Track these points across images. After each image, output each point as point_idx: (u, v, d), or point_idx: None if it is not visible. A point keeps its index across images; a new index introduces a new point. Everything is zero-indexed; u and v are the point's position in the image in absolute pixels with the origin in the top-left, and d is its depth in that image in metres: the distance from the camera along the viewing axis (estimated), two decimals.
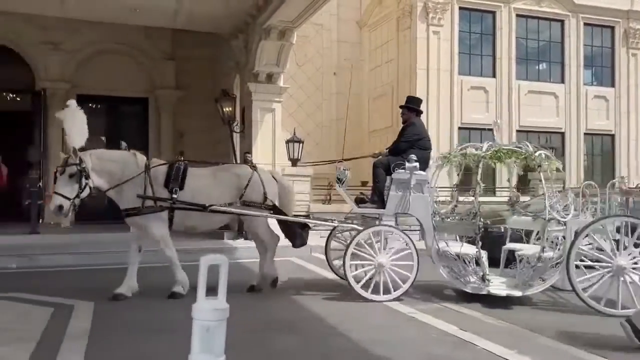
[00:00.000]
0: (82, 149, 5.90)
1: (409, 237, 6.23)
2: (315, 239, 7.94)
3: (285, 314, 5.65)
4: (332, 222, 6.88)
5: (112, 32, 14.47)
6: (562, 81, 17.22)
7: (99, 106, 15.41)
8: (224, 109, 12.61)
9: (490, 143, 6.31)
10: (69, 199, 5.74)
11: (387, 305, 6.07)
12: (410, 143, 6.55)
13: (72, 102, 6.13)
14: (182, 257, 6.41)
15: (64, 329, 4.91)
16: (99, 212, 9.56)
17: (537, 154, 6.14)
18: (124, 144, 16.00)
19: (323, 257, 7.46)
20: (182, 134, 15.40)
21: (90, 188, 5.93)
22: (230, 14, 11.67)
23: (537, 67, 17.44)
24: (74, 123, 5.96)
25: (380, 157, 6.82)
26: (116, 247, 8.33)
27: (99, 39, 14.70)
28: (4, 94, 14.95)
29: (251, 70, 11.85)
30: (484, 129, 16.45)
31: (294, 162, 12.41)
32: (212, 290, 2.47)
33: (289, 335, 4.84)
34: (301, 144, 12.69)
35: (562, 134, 17.30)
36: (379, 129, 16.87)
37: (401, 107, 6.95)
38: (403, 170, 6.19)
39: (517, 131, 16.64)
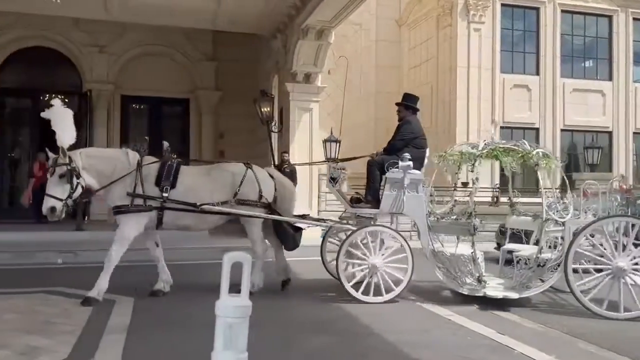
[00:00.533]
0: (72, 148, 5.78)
1: (403, 238, 6.09)
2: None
3: (317, 313, 5.62)
4: (327, 223, 6.77)
5: (154, 35, 14.84)
6: (610, 78, 16.64)
7: (141, 107, 15.85)
8: (263, 109, 12.70)
9: (486, 141, 6.19)
10: (60, 199, 5.60)
11: (422, 306, 6.00)
12: (406, 142, 6.35)
13: (57, 102, 6.00)
14: (209, 255, 6.44)
15: (105, 323, 5.02)
16: None
17: (534, 152, 5.98)
18: (166, 144, 16.36)
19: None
20: (222, 134, 15.62)
21: (82, 187, 5.79)
22: (268, 14, 11.76)
23: (583, 65, 16.92)
24: (62, 122, 5.78)
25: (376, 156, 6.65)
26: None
27: (141, 41, 15.08)
28: (54, 95, 15.48)
29: (289, 71, 11.90)
30: (527, 128, 16.09)
31: (333, 161, 12.40)
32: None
33: (324, 335, 4.82)
34: (338, 144, 12.68)
35: (610, 133, 16.72)
36: None
37: (397, 104, 6.74)
38: (397, 170, 6.03)
39: (562, 130, 16.19)
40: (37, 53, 14.76)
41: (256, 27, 12.69)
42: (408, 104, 6.64)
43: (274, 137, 12.98)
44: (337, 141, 12.63)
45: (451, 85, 15.26)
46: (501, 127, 15.69)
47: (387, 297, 5.88)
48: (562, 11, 16.17)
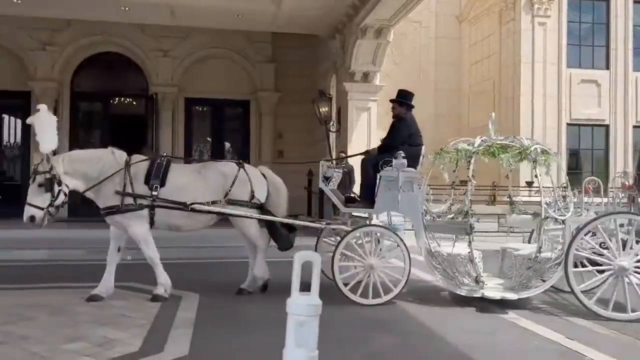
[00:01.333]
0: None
1: (400, 237, 5.86)
2: (412, 239, 7.79)
3: (379, 313, 5.57)
4: (320, 224, 6.59)
5: (216, 38, 15.25)
6: None
7: (204, 109, 16.29)
8: (321, 109, 12.79)
9: (483, 138, 5.91)
10: (41, 208, 5.50)
11: (486, 308, 5.86)
12: (401, 139, 6.12)
13: (43, 107, 5.80)
14: (277, 253, 6.46)
15: (172, 318, 5.18)
16: None
17: (532, 148, 5.71)
18: (227, 144, 16.83)
19: (420, 257, 7.29)
20: (281, 134, 15.84)
21: (65, 194, 5.67)
22: (327, 15, 11.81)
23: None
24: (44, 128, 5.64)
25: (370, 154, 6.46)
26: (220, 242, 8.62)
27: (204, 44, 15.52)
28: (122, 98, 16.22)
29: (347, 70, 11.91)
30: (596, 125, 15.38)
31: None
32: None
33: (387, 336, 4.78)
34: None
35: None
36: (480, 126, 16.28)
37: (391, 101, 6.45)
38: (391, 168, 5.81)
39: (634, 127, 15.38)
40: (107, 58, 15.51)
41: (315, 28, 12.78)
42: (403, 100, 6.35)
43: (332, 136, 13.04)
44: None
45: (515, 82, 14.80)
46: (568, 124, 15.09)
47: (385, 298, 5.70)
48: (635, 2, 15.35)
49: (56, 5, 11.51)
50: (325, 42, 13.38)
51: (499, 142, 5.86)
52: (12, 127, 15.45)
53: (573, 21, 15.18)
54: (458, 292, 5.82)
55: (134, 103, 16.23)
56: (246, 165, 6.25)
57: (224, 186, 5.99)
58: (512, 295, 5.64)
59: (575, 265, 5.58)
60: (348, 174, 11.35)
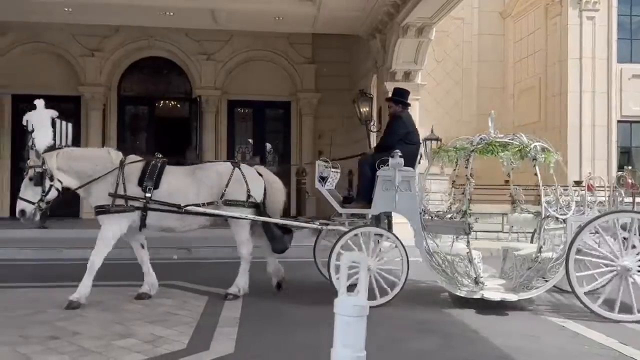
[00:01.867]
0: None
1: (397, 237, 5.75)
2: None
3: (423, 315, 5.55)
4: (316, 225, 6.47)
5: (257, 41, 15.43)
6: None
7: (246, 110, 16.45)
8: (361, 109, 12.76)
9: (482, 136, 5.79)
10: (32, 202, 5.53)
11: (533, 312, 5.75)
12: (398, 137, 6.05)
13: (40, 103, 5.83)
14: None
15: (218, 316, 5.31)
16: None
17: (532, 145, 5.59)
18: (269, 145, 16.97)
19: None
20: (320, 135, 15.88)
21: (57, 190, 5.69)
22: (367, 15, 11.78)
23: None
24: (40, 124, 5.69)
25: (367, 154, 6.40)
26: (257, 242, 8.76)
27: (245, 47, 15.70)
28: (167, 101, 16.60)
29: (388, 70, 11.83)
30: None
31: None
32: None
33: (431, 337, 4.77)
34: (439, 142, 12.42)
35: None
36: (525, 124, 15.90)
37: (387, 99, 6.44)
38: (388, 167, 5.74)
39: None
40: (152, 63, 15.91)
41: (355, 28, 12.77)
42: (399, 99, 6.31)
43: (373, 136, 12.98)
44: (437, 139, 12.37)
45: (562, 78, 14.35)
46: (619, 121, 14.53)
47: (381, 300, 5.63)
48: None
49: (104, 12, 11.89)
50: (365, 42, 13.33)
51: (498, 139, 5.76)
52: (64, 130, 16.00)
53: (624, 14, 14.60)
54: (457, 293, 5.73)
55: (178, 106, 16.57)
56: (242, 165, 6.20)
57: (219, 186, 5.96)
58: (511, 297, 5.56)
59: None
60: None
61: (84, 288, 5.59)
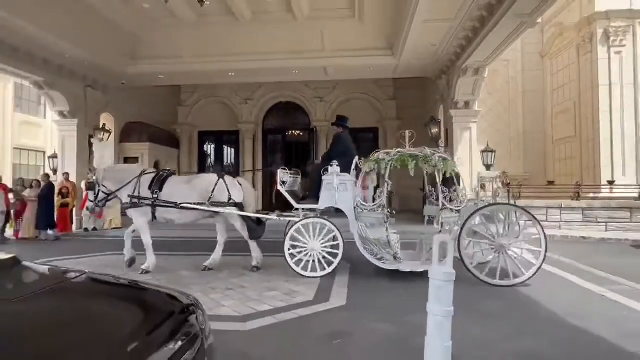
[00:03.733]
0: None
1: (334, 226, 5.46)
2: None
3: (484, 285, 5.20)
4: (273, 216, 6.10)
5: (354, 86, 15.49)
6: None
7: None
8: (432, 131, 12.31)
9: (399, 150, 5.40)
10: (91, 201, 6.12)
11: (577, 284, 5.17)
12: (338, 151, 5.82)
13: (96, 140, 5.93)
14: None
15: (333, 279, 5.37)
16: None
17: (433, 156, 5.22)
18: (361, 160, 16.84)
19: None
20: None
21: (104, 193, 6.01)
22: (435, 62, 11.37)
23: None
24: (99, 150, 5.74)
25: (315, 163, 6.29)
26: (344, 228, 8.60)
27: (346, 91, 15.84)
28: (294, 131, 17.18)
29: (452, 100, 11.33)
30: None
31: (488, 167, 11.44)
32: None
33: (495, 301, 4.48)
34: (493, 153, 11.63)
35: None
36: (562, 138, 14.44)
37: (332, 124, 6.27)
38: (329, 173, 5.55)
39: None
40: (284, 105, 16.56)
41: (425, 72, 12.37)
42: (340, 123, 6.15)
43: (441, 150, 12.45)
44: (492, 151, 11.60)
45: (594, 101, 12.86)
46: None
47: (322, 273, 5.43)
48: None
49: (254, 75, 12.57)
50: (433, 81, 12.87)
51: (408, 152, 5.44)
52: (229, 154, 17.13)
53: None
54: (381, 266, 5.44)
55: (301, 134, 17.08)
56: (226, 177, 6.08)
57: (207, 190, 5.87)
58: (418, 269, 5.29)
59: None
60: (453, 179, 10.71)
61: (151, 260, 5.87)
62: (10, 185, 10.95)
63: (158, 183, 5.86)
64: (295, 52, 11.22)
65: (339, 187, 5.62)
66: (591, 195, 11.53)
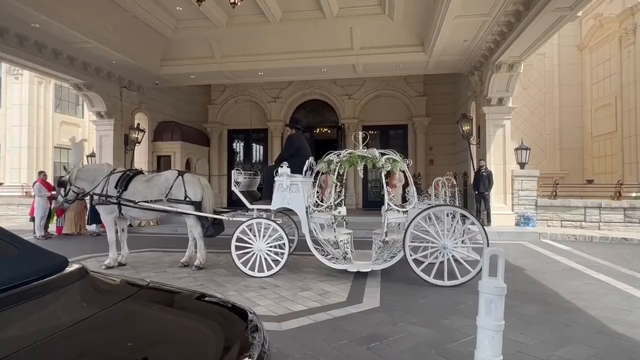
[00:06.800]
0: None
1: (280, 226, 5.41)
2: (543, 227, 6.92)
3: (526, 287, 5.11)
4: (225, 216, 6.02)
5: (383, 83, 15.32)
6: None
7: (375, 132, 16.44)
8: (463, 128, 12.04)
9: (349, 151, 5.34)
10: (62, 196, 6.17)
11: (621, 289, 4.98)
12: (291, 152, 5.70)
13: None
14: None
15: (365, 280, 5.39)
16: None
17: (381, 158, 5.13)
18: None
19: (551, 242, 6.45)
20: (431, 148, 15.31)
21: (74, 192, 6.10)
22: (467, 58, 11.10)
23: None
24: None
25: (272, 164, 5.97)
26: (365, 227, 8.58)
27: (374, 88, 15.68)
28: (322, 128, 17.20)
29: (485, 97, 11.04)
30: None
31: (522, 165, 11.11)
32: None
33: (532, 304, 4.39)
34: (528, 151, 11.28)
35: None
36: (602, 134, 13.82)
37: (285, 125, 5.88)
38: (280, 175, 5.45)
39: None
40: (312, 103, 16.56)
41: (457, 68, 12.11)
42: (292, 124, 6.08)
43: (472, 148, 12.20)
44: (527, 149, 11.24)
45: (637, 95, 12.24)
46: None
47: (268, 273, 5.40)
48: None
49: (282, 73, 12.66)
50: (465, 77, 12.57)
51: (357, 153, 5.37)
52: (258, 151, 17.35)
53: None
54: (331, 266, 5.41)
55: (329, 131, 17.08)
56: (186, 174, 6.07)
57: (166, 187, 5.91)
58: (366, 268, 5.25)
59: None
60: (487, 177, 10.51)
61: (113, 255, 6.07)
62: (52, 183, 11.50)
63: (124, 182, 5.99)
64: (324, 50, 11.22)
65: (290, 187, 5.57)
66: (633, 194, 11.02)
